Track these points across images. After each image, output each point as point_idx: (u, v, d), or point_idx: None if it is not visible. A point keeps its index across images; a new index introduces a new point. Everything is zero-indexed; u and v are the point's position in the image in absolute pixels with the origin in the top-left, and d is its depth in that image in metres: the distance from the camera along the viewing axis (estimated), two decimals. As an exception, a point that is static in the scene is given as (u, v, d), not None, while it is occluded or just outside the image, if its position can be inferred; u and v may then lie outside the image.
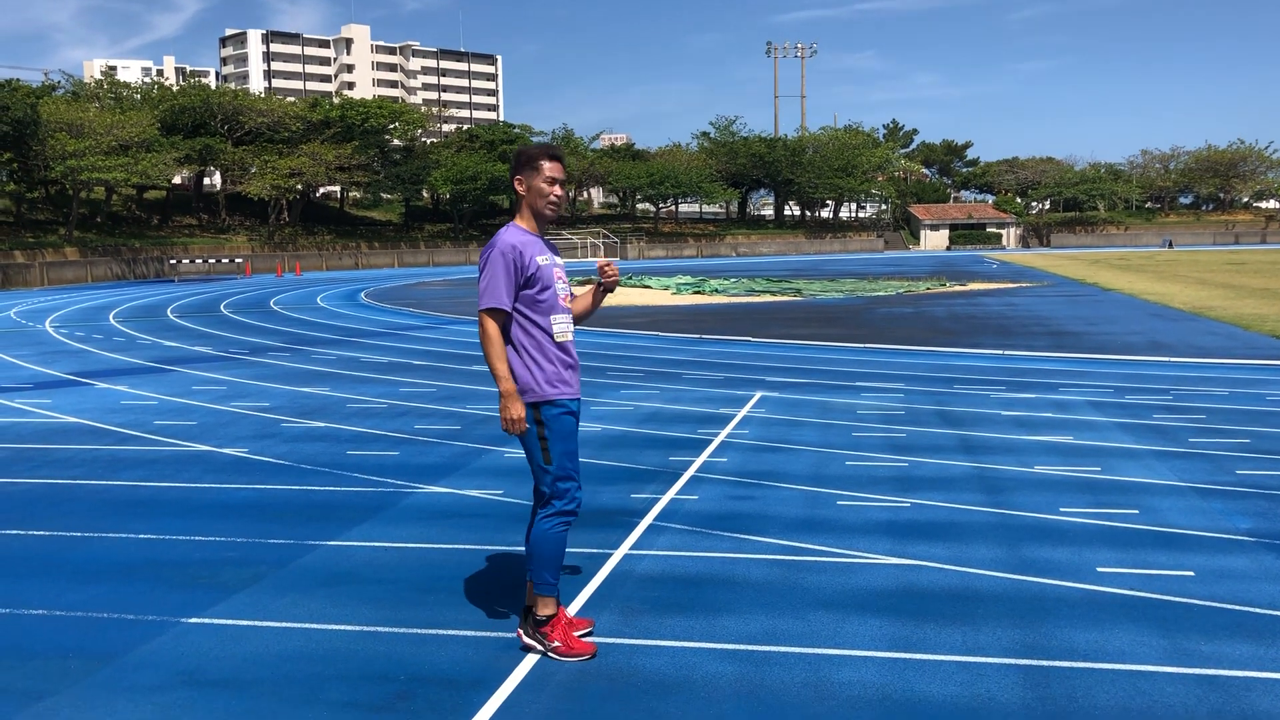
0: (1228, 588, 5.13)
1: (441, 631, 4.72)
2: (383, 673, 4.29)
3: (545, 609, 4.52)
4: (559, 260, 4.69)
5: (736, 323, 20.52)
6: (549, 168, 4.53)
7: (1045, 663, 4.28)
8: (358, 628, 4.78)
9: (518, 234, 4.49)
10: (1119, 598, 5.01)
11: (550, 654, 4.45)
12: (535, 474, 4.52)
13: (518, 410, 4.36)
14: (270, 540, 6.18)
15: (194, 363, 15.33)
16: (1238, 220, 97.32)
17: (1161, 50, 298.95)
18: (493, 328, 4.41)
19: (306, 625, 4.82)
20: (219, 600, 5.16)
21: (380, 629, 4.76)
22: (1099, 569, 5.44)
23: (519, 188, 4.55)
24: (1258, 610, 4.82)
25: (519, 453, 8.51)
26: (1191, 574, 5.34)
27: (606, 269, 4.72)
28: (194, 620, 4.90)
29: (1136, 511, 6.52)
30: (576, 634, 4.55)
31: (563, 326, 4.53)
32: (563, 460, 4.46)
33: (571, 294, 4.73)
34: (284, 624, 4.84)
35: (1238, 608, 4.86)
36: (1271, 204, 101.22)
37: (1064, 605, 4.93)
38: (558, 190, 4.56)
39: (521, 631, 4.58)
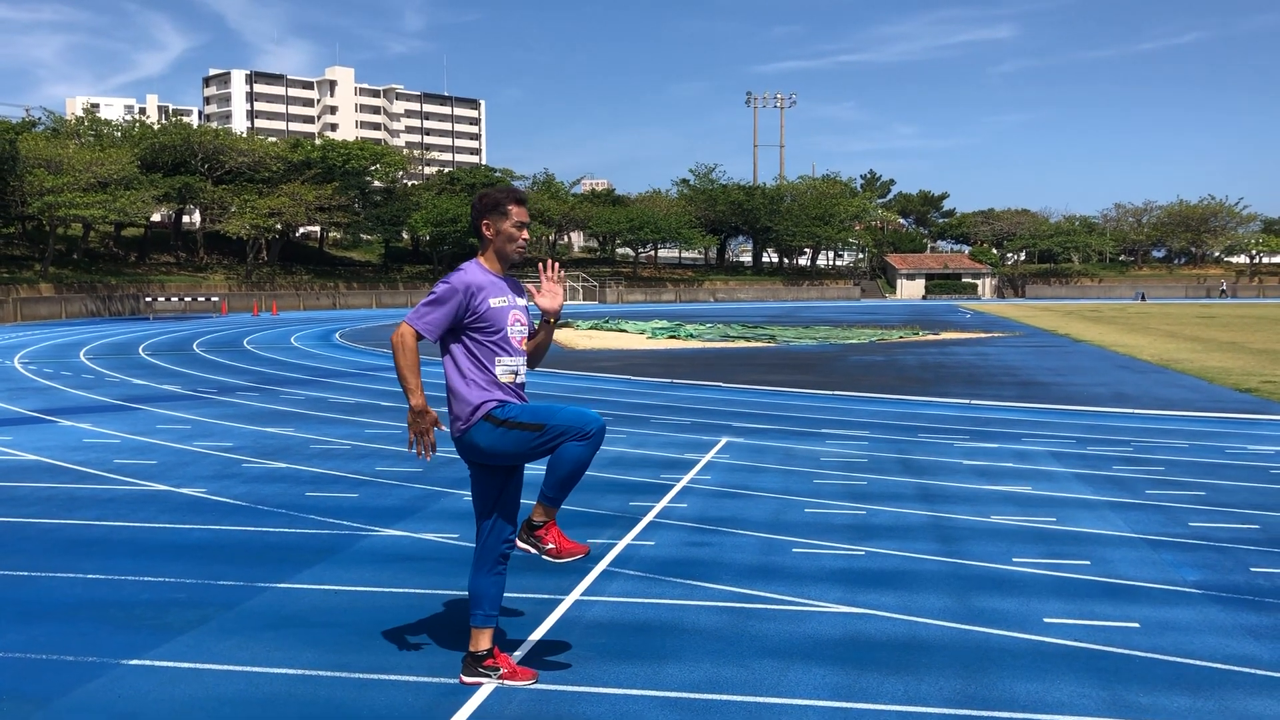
0: (1171, 639, 5.16)
1: (385, 676, 4.69)
2: (322, 718, 4.25)
3: (482, 643, 4.57)
4: (521, 301, 4.68)
5: (709, 368, 20.58)
6: (516, 212, 4.58)
7: (984, 713, 4.29)
8: (301, 671, 4.74)
9: (479, 274, 4.53)
10: (1063, 649, 5.04)
11: (501, 681, 4.53)
12: (530, 450, 4.47)
13: (424, 423, 4.43)
14: (220, 582, 6.13)
15: (161, 401, 15.24)
16: (1209, 274, 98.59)
17: (1136, 106, 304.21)
18: (411, 340, 4.45)
19: (249, 669, 4.78)
20: (162, 642, 5.11)
21: (323, 673, 4.73)
22: (1046, 619, 5.47)
23: (486, 232, 4.58)
24: (1198, 662, 4.85)
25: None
26: (1137, 625, 5.37)
27: (550, 278, 4.73)
28: (134, 662, 4.84)
29: (1088, 562, 6.56)
30: (523, 683, 4.56)
31: (507, 369, 4.54)
32: (545, 417, 4.44)
33: (531, 333, 4.74)
34: (226, 667, 4.79)
35: (1179, 659, 4.89)
36: (1242, 259, 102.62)
37: (1008, 656, 4.95)
38: (525, 234, 4.62)
39: (463, 675, 4.58)
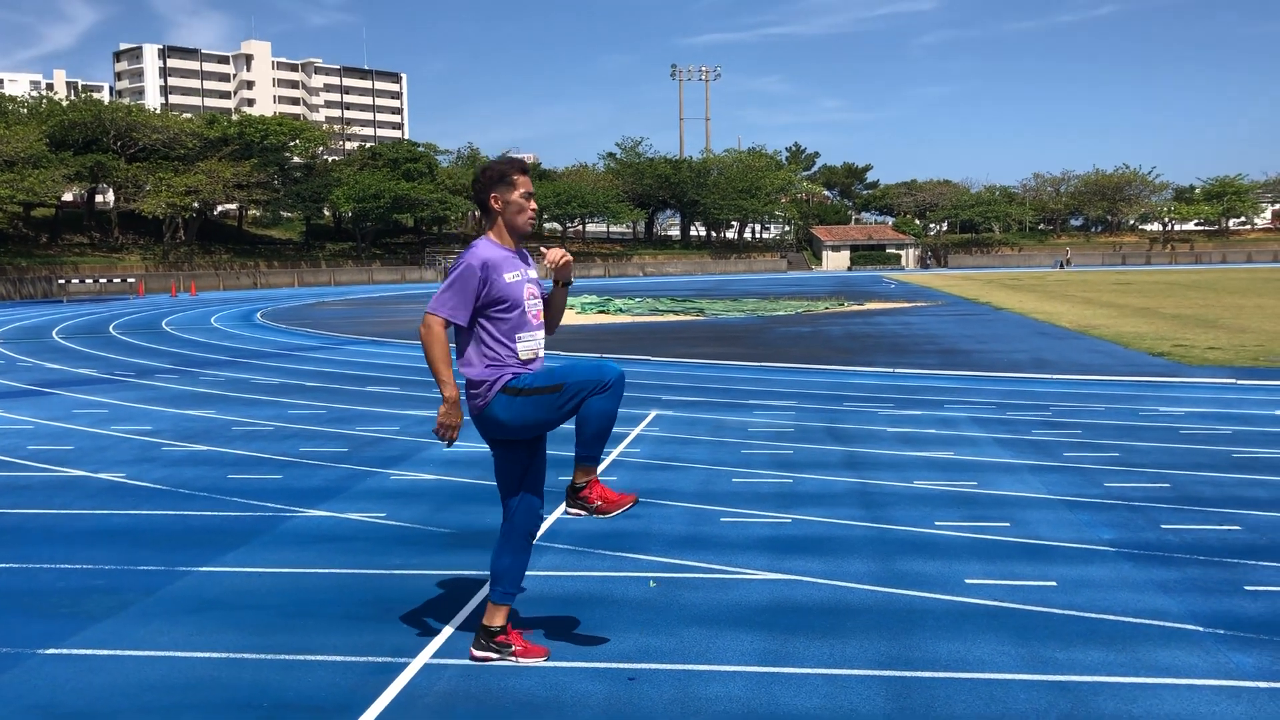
0: (1086, 596, 5.31)
1: (309, 657, 4.64)
2: (246, 700, 4.20)
3: (497, 619, 4.54)
4: (533, 274, 4.60)
5: (638, 342, 20.61)
6: (522, 182, 4.52)
7: (907, 673, 4.38)
8: (223, 655, 4.67)
9: (492, 249, 4.45)
10: (984, 608, 5.16)
11: (513, 659, 4.51)
12: (548, 418, 4.42)
13: (457, 418, 4.37)
14: (140, 567, 6.01)
15: (76, 385, 14.84)
16: (1125, 242, 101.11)
17: (1054, 77, 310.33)
18: (439, 329, 4.35)
19: (170, 653, 4.69)
20: (80, 630, 5.00)
21: (246, 656, 4.66)
22: (967, 580, 5.59)
23: (495, 204, 4.49)
24: (1112, 617, 5.00)
25: (405, 474, 8.43)
26: (1054, 584, 5.52)
27: (558, 261, 4.64)
28: (51, 651, 4.73)
29: (1008, 524, 6.71)
30: (534, 661, 4.53)
31: (528, 344, 4.47)
32: (562, 376, 4.38)
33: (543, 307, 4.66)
34: (146, 653, 4.70)
35: (1094, 615, 5.03)
36: (1155, 227, 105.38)
37: (930, 617, 5.05)
38: (533, 205, 4.57)
39: (474, 649, 4.57)
